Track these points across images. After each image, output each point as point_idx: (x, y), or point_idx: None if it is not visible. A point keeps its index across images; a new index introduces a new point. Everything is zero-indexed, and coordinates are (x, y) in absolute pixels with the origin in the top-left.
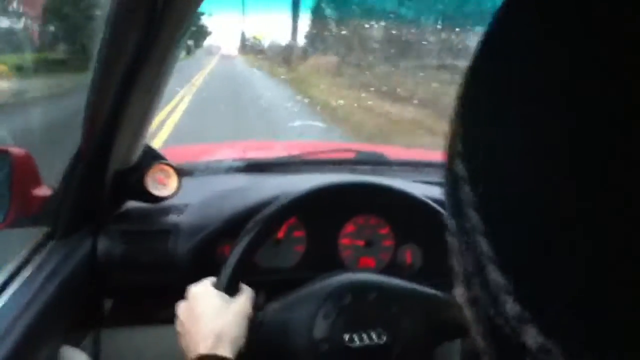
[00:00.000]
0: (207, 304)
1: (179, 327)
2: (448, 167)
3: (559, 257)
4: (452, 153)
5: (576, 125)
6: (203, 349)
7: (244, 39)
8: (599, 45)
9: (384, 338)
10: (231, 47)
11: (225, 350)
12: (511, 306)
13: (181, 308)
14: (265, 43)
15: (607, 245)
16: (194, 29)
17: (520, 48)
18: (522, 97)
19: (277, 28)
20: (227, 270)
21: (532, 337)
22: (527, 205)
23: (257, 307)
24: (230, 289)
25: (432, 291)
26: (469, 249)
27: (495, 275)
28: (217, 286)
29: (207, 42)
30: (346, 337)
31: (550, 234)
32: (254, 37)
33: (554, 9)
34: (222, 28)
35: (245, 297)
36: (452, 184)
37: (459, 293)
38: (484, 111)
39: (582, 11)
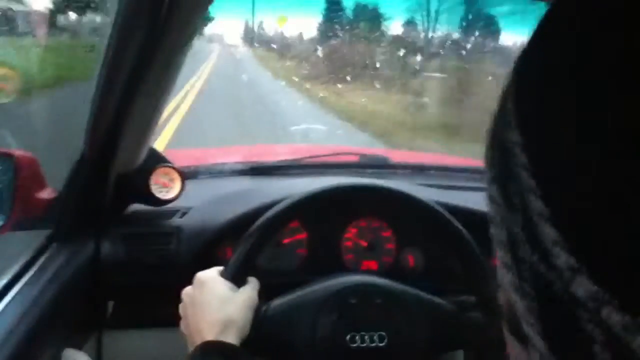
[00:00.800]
0: (215, 291)
1: (183, 311)
2: (498, 137)
3: (613, 211)
4: (503, 123)
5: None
6: (210, 335)
7: (248, 30)
8: None
9: (386, 342)
10: (235, 37)
11: (232, 338)
12: (564, 259)
13: (187, 293)
14: (286, 33)
15: None
16: None
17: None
18: (574, 76)
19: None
20: (233, 262)
21: (583, 286)
22: (582, 166)
23: (260, 304)
24: (237, 279)
25: (438, 300)
26: (516, 210)
27: (547, 230)
28: (224, 275)
29: (209, 30)
30: (348, 337)
31: (603, 191)
32: (280, 18)
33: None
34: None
35: (252, 287)
36: (502, 151)
37: (502, 258)
38: (536, 85)
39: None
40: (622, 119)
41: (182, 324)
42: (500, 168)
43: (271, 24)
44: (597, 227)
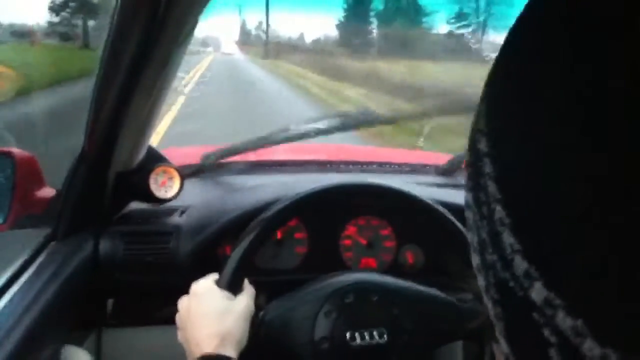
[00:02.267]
0: (211, 303)
1: (179, 321)
2: (471, 145)
3: (565, 221)
4: (476, 131)
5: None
6: (208, 348)
7: (245, 30)
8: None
9: (386, 338)
10: (231, 44)
11: (230, 351)
12: (523, 266)
13: (183, 304)
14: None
15: (608, 200)
16: None
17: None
18: (546, 88)
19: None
20: (229, 268)
21: (537, 291)
22: (540, 173)
23: (258, 307)
24: (233, 287)
25: (435, 293)
26: (484, 218)
27: (508, 237)
28: (219, 284)
29: (202, 32)
30: (347, 335)
31: (557, 203)
32: None
33: (580, 13)
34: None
35: (248, 297)
36: (474, 159)
37: (475, 262)
38: (509, 95)
39: (604, 15)
40: (585, 136)
41: (180, 334)
42: (472, 175)
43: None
44: (550, 236)
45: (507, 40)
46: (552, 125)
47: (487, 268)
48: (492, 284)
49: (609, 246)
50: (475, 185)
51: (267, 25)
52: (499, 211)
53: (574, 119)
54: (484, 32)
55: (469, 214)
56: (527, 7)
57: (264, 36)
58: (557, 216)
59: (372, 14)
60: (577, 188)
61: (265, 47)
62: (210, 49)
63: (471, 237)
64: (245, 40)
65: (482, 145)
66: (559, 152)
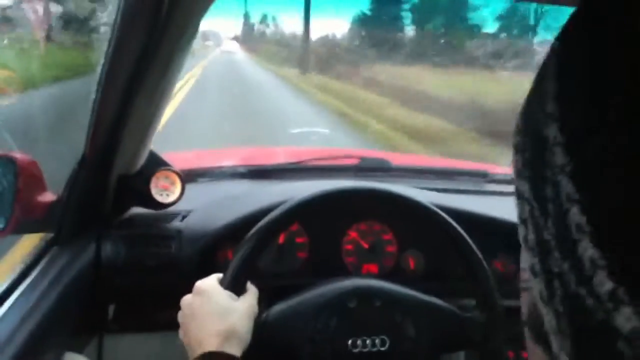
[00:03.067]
0: (215, 301)
1: (182, 319)
2: (533, 127)
3: None
4: (540, 113)
5: None
6: (211, 346)
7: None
8: None
9: (387, 345)
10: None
11: (233, 349)
12: (602, 281)
13: (186, 302)
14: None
15: None
16: None
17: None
18: (617, 63)
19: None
20: (231, 270)
21: (625, 318)
22: (630, 175)
23: (260, 311)
24: (236, 288)
25: (439, 302)
26: (550, 217)
27: (587, 248)
28: (222, 284)
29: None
30: (349, 341)
31: None
32: None
33: None
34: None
35: (251, 296)
36: (538, 147)
37: (528, 262)
38: (583, 71)
39: None
40: None
41: (181, 332)
42: (533, 163)
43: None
44: None
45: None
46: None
47: (551, 275)
48: (559, 295)
49: None
50: (536, 176)
51: (307, 22)
52: (576, 215)
53: None
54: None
55: (523, 207)
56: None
57: (269, 31)
58: None
59: (405, 7)
60: None
61: (304, 56)
62: (210, 42)
63: (524, 233)
64: (249, 35)
65: (552, 132)
66: None
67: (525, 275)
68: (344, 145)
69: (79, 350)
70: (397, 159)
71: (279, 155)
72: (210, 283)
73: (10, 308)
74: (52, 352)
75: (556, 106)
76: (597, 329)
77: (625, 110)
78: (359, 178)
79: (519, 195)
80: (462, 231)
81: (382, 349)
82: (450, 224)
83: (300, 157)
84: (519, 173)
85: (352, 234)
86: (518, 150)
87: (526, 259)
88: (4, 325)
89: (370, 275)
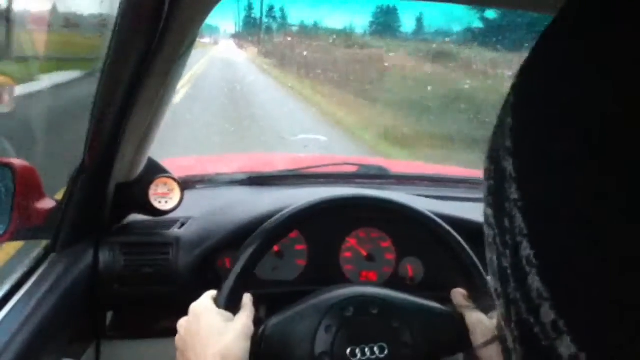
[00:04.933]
0: (210, 324)
1: (179, 343)
2: (494, 158)
3: (599, 268)
4: (500, 146)
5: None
6: None
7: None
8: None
9: (386, 352)
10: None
11: None
12: (546, 312)
13: (182, 325)
14: None
15: None
16: None
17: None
18: (572, 102)
19: None
20: (227, 286)
21: (566, 346)
22: (574, 212)
23: (258, 321)
24: (232, 305)
25: (435, 305)
26: (507, 247)
27: (535, 281)
28: (218, 303)
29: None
30: (348, 350)
31: (594, 242)
32: None
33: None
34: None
35: (246, 316)
36: (498, 179)
37: (492, 285)
38: (537, 108)
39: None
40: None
41: (179, 355)
42: (496, 193)
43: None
44: (586, 292)
45: (539, 43)
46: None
47: (508, 301)
48: (514, 320)
49: None
50: (498, 206)
51: None
52: (526, 248)
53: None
54: None
55: (488, 232)
56: (547, 31)
57: (274, 27)
58: (595, 270)
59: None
60: (622, 238)
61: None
62: (206, 39)
63: (489, 256)
64: (248, 32)
65: (508, 166)
66: (610, 192)
67: (492, 294)
68: (342, 153)
69: (77, 357)
70: (395, 167)
71: (278, 162)
72: (205, 305)
73: (7, 314)
74: (50, 359)
75: (511, 142)
76: (544, 354)
77: (572, 151)
78: (358, 185)
79: (485, 219)
80: (460, 239)
81: (381, 356)
82: (448, 231)
83: (298, 164)
84: (485, 199)
85: (351, 242)
86: (485, 177)
87: (490, 280)
88: (2, 331)
89: (368, 282)
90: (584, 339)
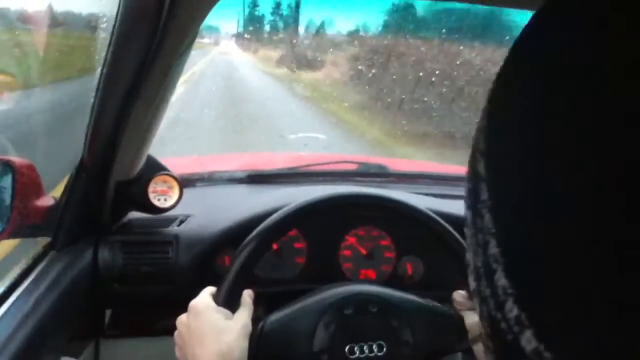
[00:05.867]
0: (209, 322)
1: (178, 339)
2: (471, 163)
3: (560, 265)
4: (475, 150)
5: (592, 135)
6: None
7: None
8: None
9: (384, 350)
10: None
11: None
12: (510, 307)
13: (182, 322)
14: None
15: (607, 264)
16: None
17: (546, 60)
18: (545, 107)
19: None
20: (226, 283)
21: (527, 340)
22: (538, 211)
23: (257, 318)
24: (231, 303)
25: (435, 305)
26: (480, 246)
27: (501, 277)
28: (217, 300)
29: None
30: (347, 348)
31: (556, 239)
32: None
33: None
34: None
35: (246, 314)
36: (473, 180)
37: (471, 284)
38: (510, 113)
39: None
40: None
41: (178, 352)
42: (471, 195)
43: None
44: (545, 285)
45: (506, 65)
46: (552, 161)
47: (481, 299)
48: (485, 317)
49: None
50: (474, 207)
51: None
52: (493, 247)
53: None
54: None
55: (467, 232)
56: (524, 33)
57: (281, 24)
58: (554, 265)
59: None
60: (581, 233)
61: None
62: (206, 40)
63: (468, 257)
64: (252, 31)
65: (481, 168)
66: (563, 192)
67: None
68: (341, 151)
69: (76, 355)
70: (395, 165)
71: (277, 161)
72: (204, 302)
73: (6, 312)
74: (49, 357)
75: (485, 143)
76: (509, 348)
77: (539, 157)
78: (357, 184)
79: (465, 219)
80: (459, 237)
81: (380, 354)
82: (448, 230)
83: (298, 162)
84: (465, 200)
85: (350, 240)
86: (466, 179)
87: (470, 281)
88: (1, 329)
89: (367, 281)
90: (545, 332)
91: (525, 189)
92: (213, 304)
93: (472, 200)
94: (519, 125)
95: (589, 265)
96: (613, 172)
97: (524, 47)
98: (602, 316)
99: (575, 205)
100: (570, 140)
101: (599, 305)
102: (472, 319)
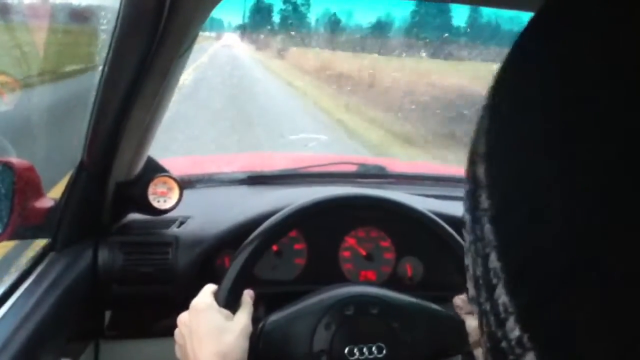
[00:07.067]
0: (210, 322)
1: (178, 338)
2: (470, 166)
3: (564, 284)
4: (474, 153)
5: (600, 139)
6: None
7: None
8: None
9: (384, 352)
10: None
11: None
12: (512, 327)
13: (182, 321)
14: None
15: (618, 279)
16: None
17: (547, 58)
18: (545, 106)
19: None
20: (226, 283)
21: None
22: (542, 226)
23: (257, 319)
24: (231, 303)
25: (435, 306)
26: (479, 256)
27: (501, 294)
28: (217, 300)
29: None
30: (346, 349)
31: (562, 258)
32: None
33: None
34: None
35: (246, 314)
36: (473, 185)
37: (470, 292)
38: (510, 112)
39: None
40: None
41: (178, 351)
42: (470, 200)
43: None
44: (550, 307)
45: (507, 61)
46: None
47: (481, 311)
48: (485, 332)
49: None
50: (472, 212)
51: None
52: (494, 260)
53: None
54: None
55: (465, 236)
56: (523, 35)
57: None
58: (559, 285)
59: None
60: (587, 248)
61: None
62: (207, 33)
63: (466, 262)
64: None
65: (481, 173)
66: (565, 200)
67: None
68: (341, 152)
69: (75, 357)
70: (395, 166)
71: (278, 162)
72: (206, 302)
73: (6, 313)
74: (49, 358)
75: (485, 147)
76: None
77: (543, 164)
78: (357, 185)
79: (464, 224)
80: (459, 239)
81: (379, 356)
82: (448, 231)
83: (298, 163)
84: (463, 204)
85: (350, 241)
86: (465, 180)
87: (469, 288)
88: (1, 330)
89: (367, 282)
90: (549, 355)
91: (530, 201)
92: (214, 303)
93: (471, 206)
94: (526, 127)
95: (597, 288)
96: (621, 182)
97: (524, 46)
98: (610, 344)
99: (594, 220)
100: (572, 140)
101: (607, 335)
102: (473, 322)
